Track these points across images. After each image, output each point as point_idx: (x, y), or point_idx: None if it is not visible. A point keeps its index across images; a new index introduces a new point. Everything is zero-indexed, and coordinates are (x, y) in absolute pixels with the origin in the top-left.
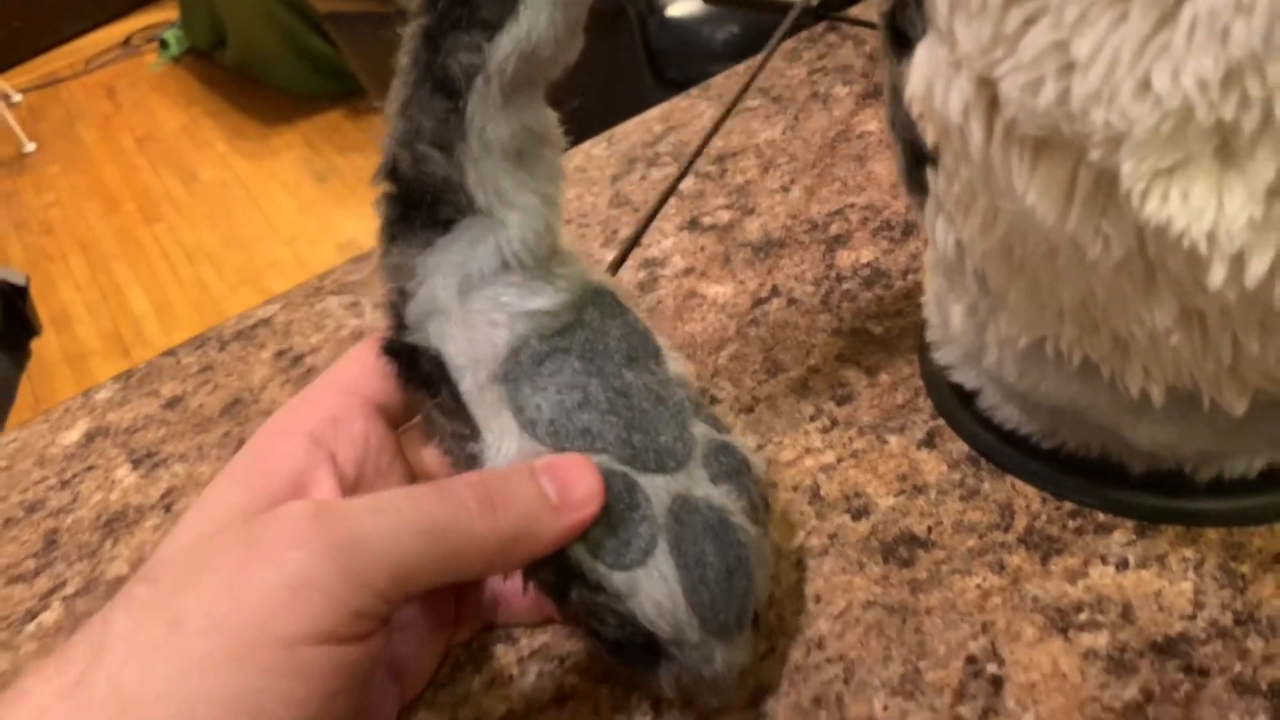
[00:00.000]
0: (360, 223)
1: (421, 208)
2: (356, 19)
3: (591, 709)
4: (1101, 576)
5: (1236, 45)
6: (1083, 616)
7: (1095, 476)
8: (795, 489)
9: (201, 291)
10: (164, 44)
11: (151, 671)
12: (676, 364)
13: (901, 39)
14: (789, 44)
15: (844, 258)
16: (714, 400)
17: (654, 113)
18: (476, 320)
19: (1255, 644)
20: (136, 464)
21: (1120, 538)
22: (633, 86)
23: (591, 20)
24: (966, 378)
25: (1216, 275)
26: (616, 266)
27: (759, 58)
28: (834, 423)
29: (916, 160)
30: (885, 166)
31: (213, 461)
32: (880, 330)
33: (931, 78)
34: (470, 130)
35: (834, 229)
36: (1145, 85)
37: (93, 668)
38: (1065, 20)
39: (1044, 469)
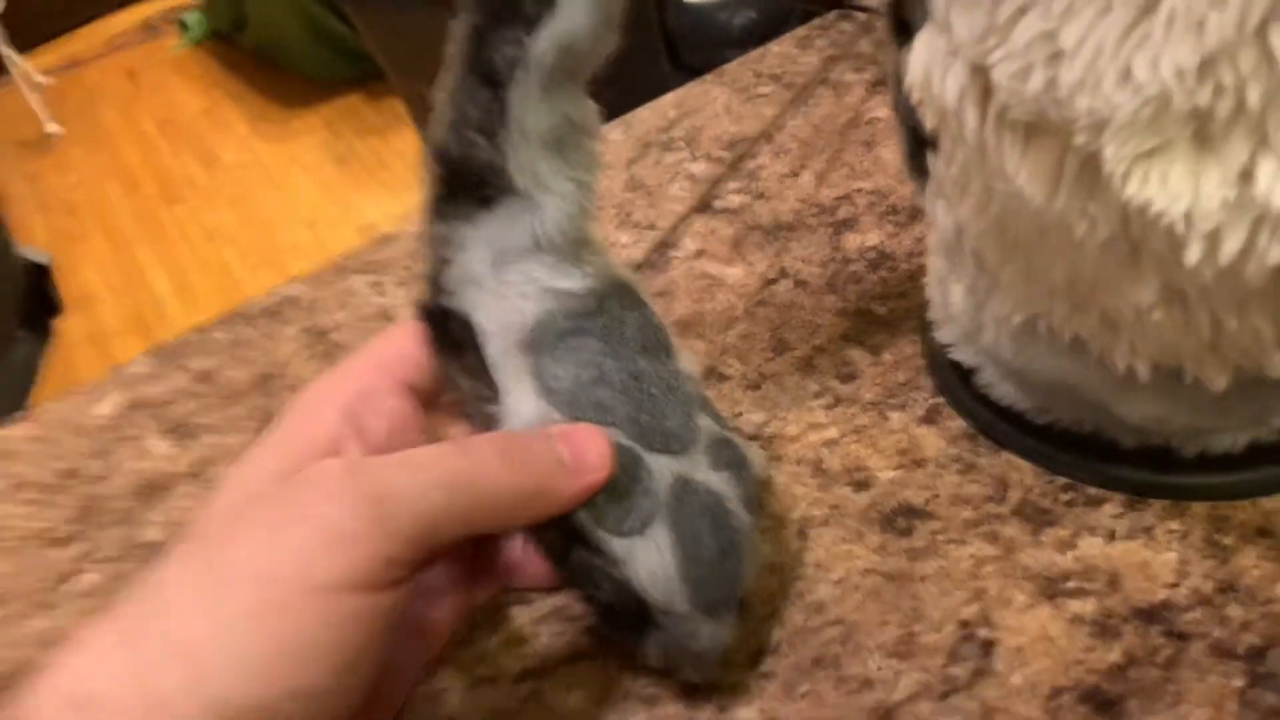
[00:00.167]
0: (380, 206)
1: (467, 187)
2: (376, 3)
3: (601, 668)
4: (1090, 547)
5: (1211, 36)
6: (1071, 584)
7: (1087, 452)
8: (799, 463)
9: (222, 273)
10: (184, 26)
11: (203, 620)
12: (687, 362)
13: (903, 28)
14: (801, 31)
15: (851, 241)
16: (722, 377)
17: (668, 98)
18: (508, 291)
19: (1235, 611)
20: (169, 435)
21: (1110, 510)
22: (650, 72)
23: None
24: (965, 356)
25: (1193, 253)
26: (641, 265)
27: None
28: (838, 399)
29: (918, 144)
30: (893, 152)
31: (242, 433)
32: (884, 311)
33: (930, 65)
34: (511, 119)
35: (842, 213)
36: (1126, 73)
37: (146, 618)
38: (1053, 11)
39: (1038, 444)
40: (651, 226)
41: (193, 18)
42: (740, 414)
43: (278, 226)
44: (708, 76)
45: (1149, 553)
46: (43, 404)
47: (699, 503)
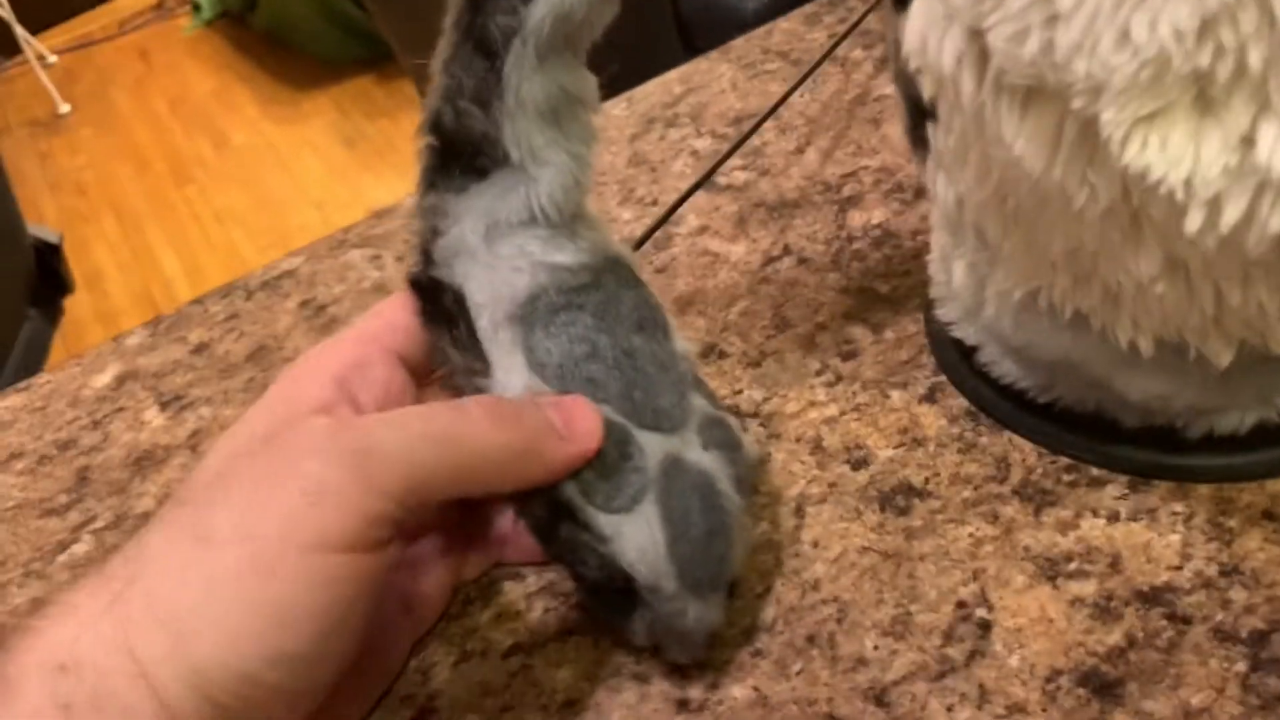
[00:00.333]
0: (389, 188)
1: (461, 158)
2: None
3: (593, 643)
4: (1092, 528)
5: None
6: (1072, 566)
7: (1090, 431)
8: (798, 440)
9: (231, 254)
10: (196, 7)
11: (184, 585)
12: (682, 342)
13: None
14: (810, 7)
15: (855, 218)
16: (723, 354)
17: (673, 74)
18: (500, 264)
19: (1238, 594)
20: (164, 406)
21: (1113, 491)
22: (662, 54)
23: None
24: (967, 334)
25: (1193, 221)
26: (640, 244)
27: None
28: (839, 377)
29: (918, 115)
30: (900, 130)
31: (237, 405)
32: (887, 289)
33: (926, 30)
34: (507, 89)
35: (847, 190)
36: (1124, 35)
37: (130, 584)
38: None
39: (1040, 424)
40: (654, 203)
41: None
42: (740, 391)
43: (287, 208)
44: (714, 53)
45: (1152, 534)
46: (43, 374)
47: (689, 481)
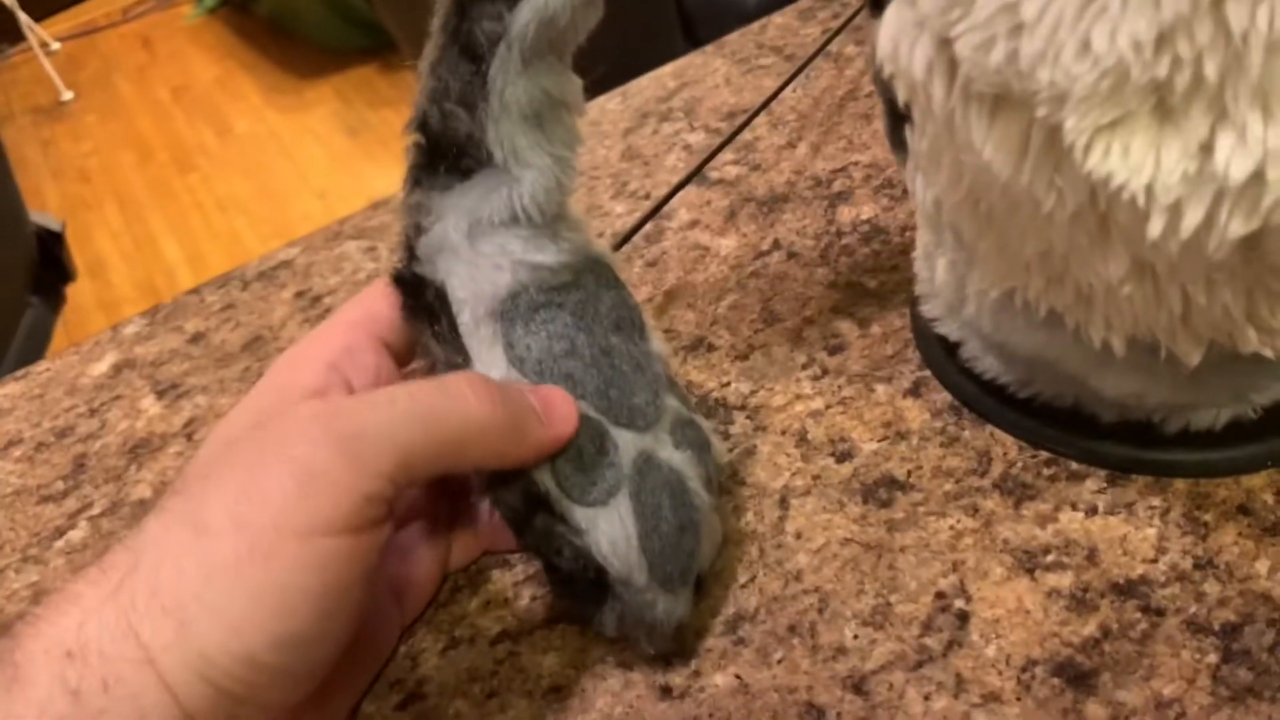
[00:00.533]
0: (391, 178)
1: (446, 158)
2: None
3: (579, 631)
4: (1070, 521)
5: (1167, 8)
6: (1050, 558)
7: (1069, 426)
8: (784, 433)
9: (233, 242)
10: None
11: (184, 574)
12: (659, 343)
13: (880, 1)
14: (804, 3)
15: (845, 214)
16: (711, 347)
17: (668, 69)
18: (482, 262)
19: (1212, 587)
20: (161, 395)
21: (1091, 485)
22: (664, 49)
23: None
24: (950, 330)
25: (1155, 227)
26: (621, 244)
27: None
28: (825, 371)
29: (897, 118)
30: None
31: (233, 395)
32: (875, 284)
33: (898, 37)
34: (491, 92)
35: (837, 185)
36: (1085, 46)
37: (131, 574)
38: None
39: (1021, 418)
40: (647, 196)
41: None
42: (728, 384)
43: (289, 197)
44: (708, 47)
45: (1129, 528)
46: (41, 362)
47: (661, 478)
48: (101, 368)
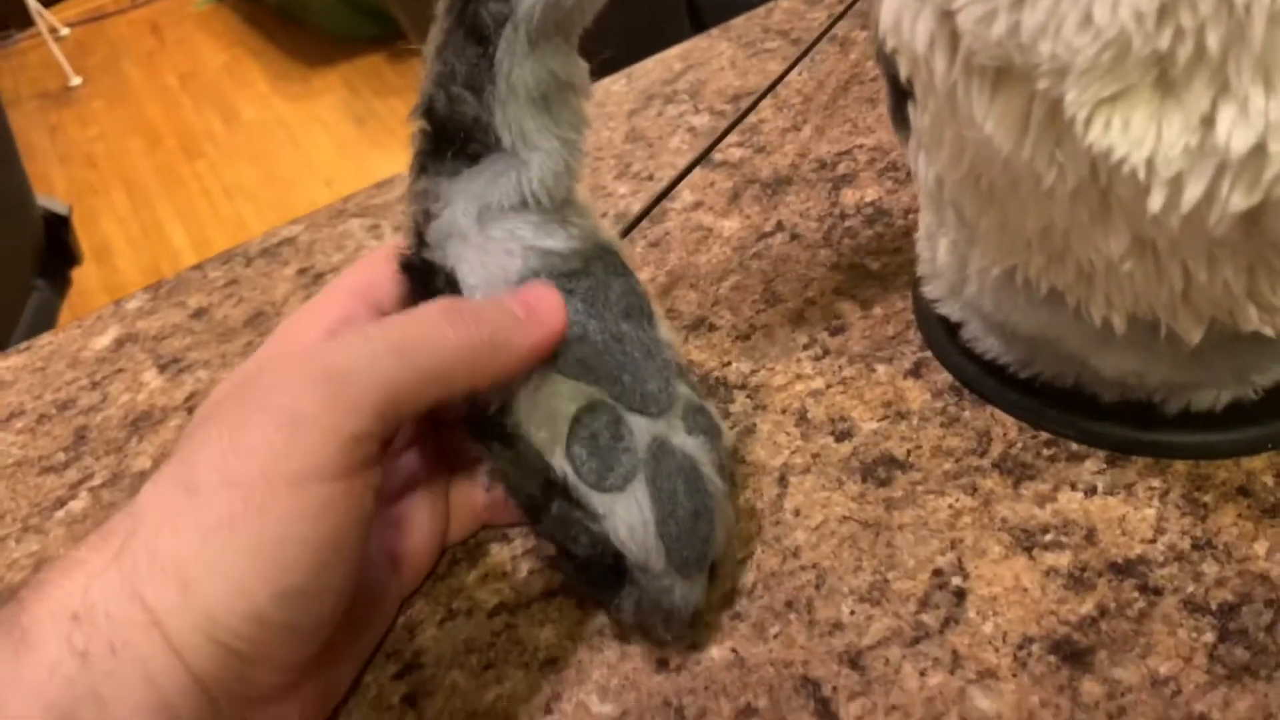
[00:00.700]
0: (398, 166)
1: (453, 143)
2: None
3: (576, 604)
4: (1069, 501)
5: None
6: (1048, 537)
7: (1070, 406)
8: (784, 412)
9: (239, 228)
10: None
11: (182, 536)
12: (667, 330)
13: None
14: None
15: (849, 196)
16: (713, 327)
17: (674, 51)
18: (493, 247)
19: (1210, 568)
20: (163, 369)
21: (1091, 466)
22: (672, 35)
23: None
24: (951, 310)
25: (1155, 201)
26: (628, 230)
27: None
28: (826, 351)
29: (900, 96)
30: None
31: (234, 369)
32: (878, 266)
33: (900, 10)
34: (498, 75)
35: (841, 168)
36: (1087, 18)
37: (131, 538)
38: None
39: (1022, 399)
40: (650, 178)
41: None
42: (729, 363)
43: (296, 184)
44: (714, 31)
45: (1128, 508)
46: (44, 335)
47: (675, 464)
48: (104, 341)
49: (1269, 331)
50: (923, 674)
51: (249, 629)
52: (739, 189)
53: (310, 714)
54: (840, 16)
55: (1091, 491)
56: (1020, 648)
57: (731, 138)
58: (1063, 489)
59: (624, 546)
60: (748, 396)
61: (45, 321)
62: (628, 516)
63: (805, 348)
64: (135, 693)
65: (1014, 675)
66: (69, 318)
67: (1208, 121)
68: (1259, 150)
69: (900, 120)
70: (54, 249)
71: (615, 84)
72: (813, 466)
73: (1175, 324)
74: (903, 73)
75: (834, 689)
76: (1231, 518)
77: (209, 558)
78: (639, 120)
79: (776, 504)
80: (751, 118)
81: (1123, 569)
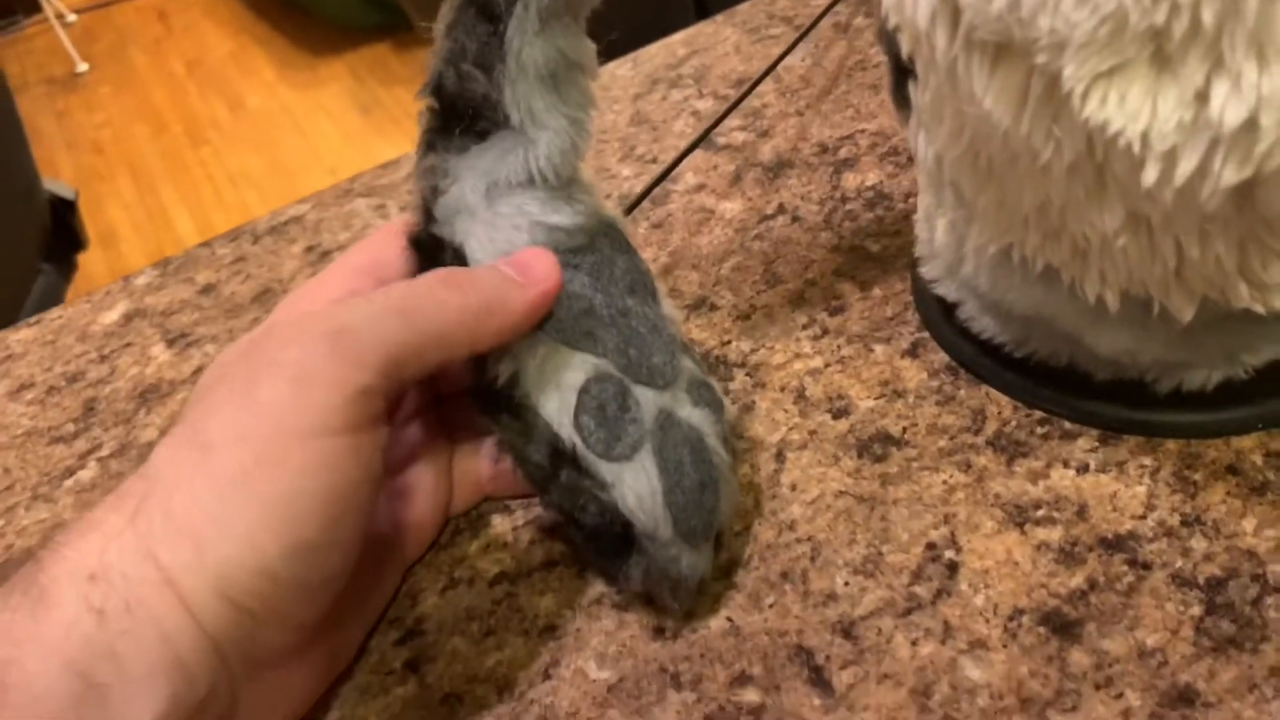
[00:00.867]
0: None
1: (462, 120)
2: None
3: (576, 574)
4: (1062, 478)
5: None
6: (1040, 513)
7: (1063, 386)
8: (782, 390)
9: (244, 216)
10: None
11: (195, 494)
12: (669, 306)
13: None
14: None
15: (850, 180)
16: (714, 307)
17: (679, 36)
18: (500, 222)
19: (1198, 543)
20: (171, 343)
21: (1084, 444)
22: (677, 21)
23: None
24: (948, 291)
25: (1150, 174)
26: (631, 209)
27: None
28: (825, 331)
29: (901, 75)
30: None
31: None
32: (878, 248)
33: None
34: (509, 53)
35: (843, 153)
36: None
37: (146, 499)
38: None
39: (1017, 378)
40: (654, 161)
41: None
42: (729, 342)
43: (301, 172)
44: (719, 16)
45: (1119, 485)
46: (53, 310)
47: (681, 435)
48: (113, 316)
49: (1259, 309)
50: (914, 643)
51: (260, 585)
52: (741, 171)
53: (316, 678)
54: (835, 3)
55: (1084, 469)
56: (1011, 619)
57: (735, 121)
58: (1055, 466)
59: (632, 515)
60: (747, 375)
61: (51, 305)
62: (636, 485)
63: (804, 327)
64: (150, 650)
65: (1004, 646)
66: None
67: (1202, 96)
68: (1251, 124)
69: (901, 99)
70: (60, 233)
71: (620, 68)
72: (810, 443)
73: (1168, 301)
74: (904, 49)
75: (827, 658)
76: (1220, 495)
77: (222, 515)
78: (644, 104)
79: (774, 479)
80: (755, 102)
81: (1113, 544)
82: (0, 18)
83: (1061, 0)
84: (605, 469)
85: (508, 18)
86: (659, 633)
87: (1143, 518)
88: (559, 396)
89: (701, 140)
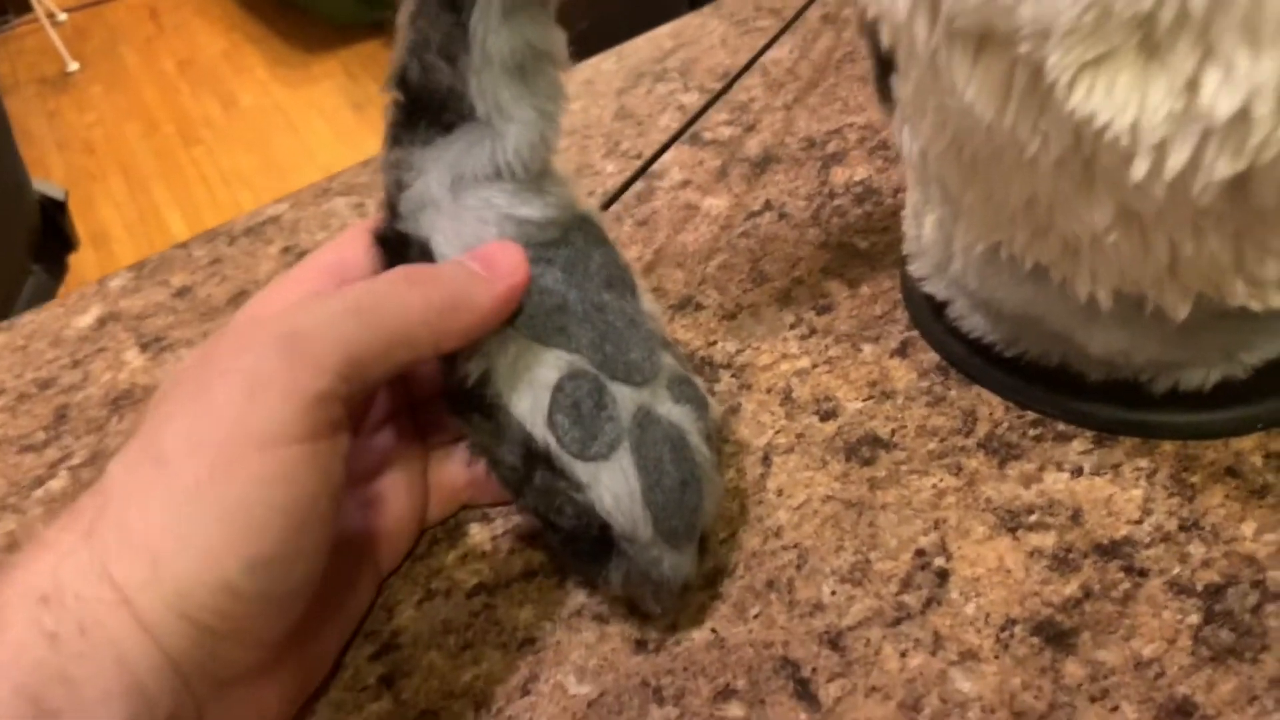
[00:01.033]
0: None
1: (427, 112)
2: None
3: (557, 584)
4: (1055, 482)
5: None
6: (1033, 518)
7: (1056, 386)
8: (769, 391)
9: (237, 215)
10: None
11: (150, 509)
12: (650, 301)
13: None
14: None
15: (838, 175)
16: (699, 306)
17: (664, 29)
18: (467, 216)
19: (1196, 549)
20: (145, 348)
21: (1078, 446)
22: (668, 10)
23: None
24: (937, 288)
25: (1140, 168)
26: (610, 202)
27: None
28: (812, 331)
29: (883, 69)
30: None
31: None
32: (866, 245)
33: None
34: (473, 43)
35: (831, 147)
36: None
37: (101, 515)
38: None
39: (1008, 378)
40: (639, 156)
41: None
42: (714, 343)
43: (294, 171)
44: (706, 8)
45: (1114, 489)
46: (26, 314)
47: (660, 433)
48: (86, 320)
49: (1256, 307)
50: (903, 655)
51: (220, 602)
52: (727, 167)
53: (288, 696)
54: None
55: (1078, 472)
56: (1003, 629)
57: (721, 116)
58: (1049, 469)
59: (610, 516)
60: (733, 376)
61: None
62: (613, 485)
63: (792, 327)
64: (106, 674)
65: (996, 657)
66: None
67: (1192, 86)
68: (1244, 115)
69: (884, 93)
70: (50, 234)
71: (605, 62)
72: (797, 446)
73: (1162, 299)
74: (885, 41)
75: (813, 670)
76: (1219, 498)
77: (178, 530)
78: (628, 98)
79: (760, 483)
80: (741, 96)
81: (1108, 550)
82: None
83: None
84: (581, 469)
85: (471, 7)
86: (641, 645)
87: (1139, 522)
88: (532, 395)
89: (683, 134)
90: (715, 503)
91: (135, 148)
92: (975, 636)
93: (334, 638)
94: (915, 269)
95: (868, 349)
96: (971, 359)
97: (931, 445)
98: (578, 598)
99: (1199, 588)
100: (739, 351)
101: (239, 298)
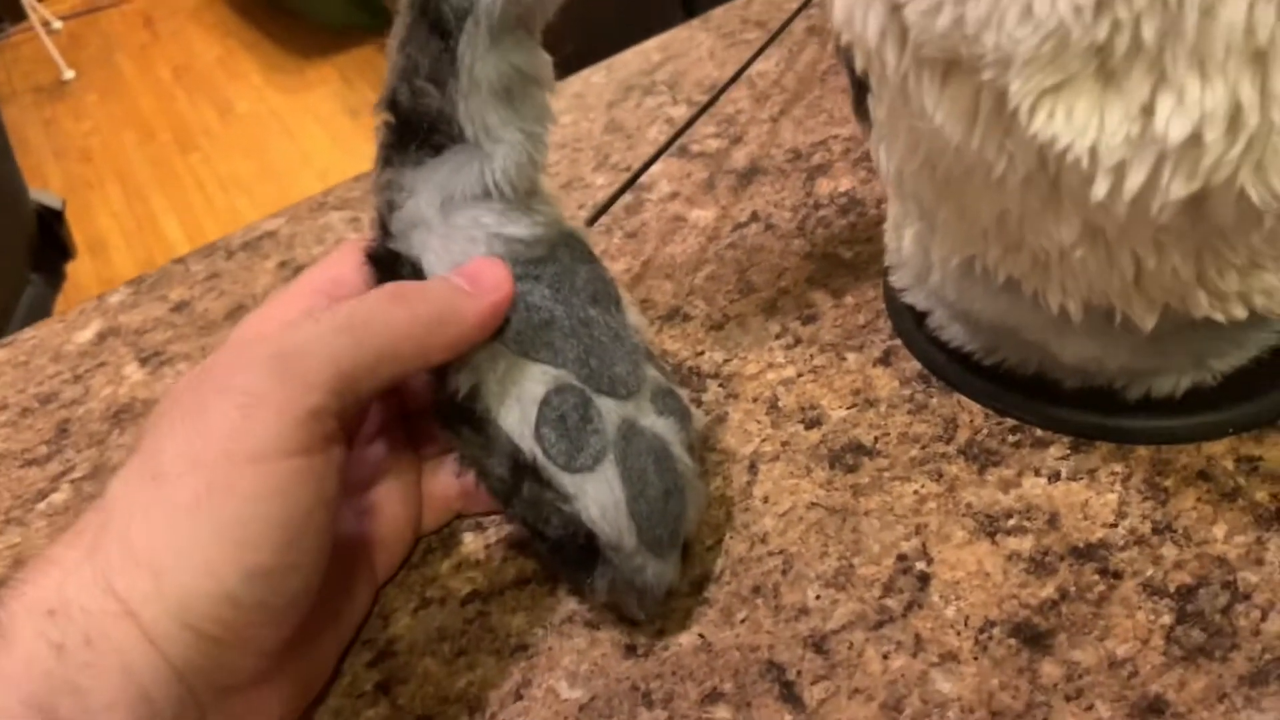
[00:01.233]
0: None
1: (417, 135)
2: None
3: (549, 591)
4: (1033, 487)
5: None
6: (1011, 522)
7: (1033, 393)
8: (755, 400)
9: (235, 222)
10: None
11: (151, 524)
12: (636, 315)
13: None
14: None
15: (823, 186)
16: (687, 317)
17: (653, 42)
18: (456, 235)
19: (1169, 551)
20: (144, 362)
21: (1055, 452)
22: (664, 22)
23: None
24: (917, 299)
25: (1100, 188)
26: (597, 216)
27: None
28: (797, 340)
29: (860, 89)
30: None
31: None
32: (850, 255)
33: (852, 5)
34: (461, 68)
35: (816, 158)
36: (1028, 10)
37: (103, 532)
38: None
39: (987, 386)
40: (628, 169)
41: None
42: (702, 353)
43: (290, 177)
44: (694, 21)
45: (1090, 493)
46: (26, 330)
47: (644, 444)
48: (86, 335)
49: (1219, 318)
50: (886, 657)
51: (221, 611)
52: (714, 179)
53: (290, 703)
54: (805, 5)
55: (1055, 477)
56: (981, 631)
57: (708, 128)
58: (1027, 474)
59: (596, 526)
60: (720, 385)
61: (39, 315)
62: (599, 496)
63: (777, 337)
64: (112, 683)
65: (975, 658)
66: (63, 311)
67: (1147, 110)
68: (1195, 139)
69: (862, 112)
70: (48, 243)
71: (594, 75)
72: (782, 454)
73: (1130, 310)
74: (858, 65)
75: (798, 673)
76: (1191, 501)
77: (178, 544)
78: (618, 111)
79: (746, 491)
80: (728, 108)
81: (1084, 553)
82: None
83: (1005, 17)
84: (567, 480)
85: (458, 34)
86: (631, 650)
87: (1114, 526)
88: (519, 409)
89: (670, 146)
90: (698, 512)
91: (132, 155)
92: (955, 638)
93: (332, 645)
94: (896, 280)
95: (852, 358)
96: (952, 367)
97: (913, 452)
98: (569, 604)
99: (1171, 589)
100: (726, 361)
101: (236, 312)
